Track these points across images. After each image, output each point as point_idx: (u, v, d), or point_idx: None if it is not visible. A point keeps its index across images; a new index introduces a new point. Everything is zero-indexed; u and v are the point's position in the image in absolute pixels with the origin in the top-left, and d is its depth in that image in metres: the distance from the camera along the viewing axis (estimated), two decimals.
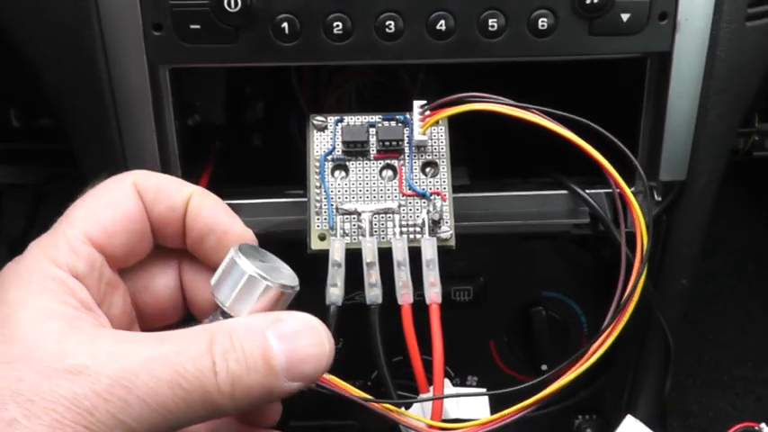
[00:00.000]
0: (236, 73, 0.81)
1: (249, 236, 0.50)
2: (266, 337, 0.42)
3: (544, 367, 0.71)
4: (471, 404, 0.55)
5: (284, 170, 0.68)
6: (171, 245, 0.50)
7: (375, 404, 0.50)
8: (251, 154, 0.84)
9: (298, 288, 0.47)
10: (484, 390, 0.57)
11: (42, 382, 0.38)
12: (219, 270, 0.46)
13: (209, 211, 0.48)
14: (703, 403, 1.21)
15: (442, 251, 0.57)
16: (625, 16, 0.58)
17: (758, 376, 1.23)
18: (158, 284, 0.50)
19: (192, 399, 0.39)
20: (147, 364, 0.39)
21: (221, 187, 0.57)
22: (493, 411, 0.55)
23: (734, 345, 1.26)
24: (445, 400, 0.54)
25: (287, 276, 0.47)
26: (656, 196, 0.65)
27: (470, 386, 0.74)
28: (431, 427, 0.51)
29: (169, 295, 0.51)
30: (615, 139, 0.55)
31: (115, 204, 0.47)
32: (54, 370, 0.38)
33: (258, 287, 0.45)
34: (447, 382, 0.55)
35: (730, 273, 1.33)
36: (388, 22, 0.57)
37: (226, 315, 0.45)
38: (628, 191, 0.56)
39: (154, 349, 0.40)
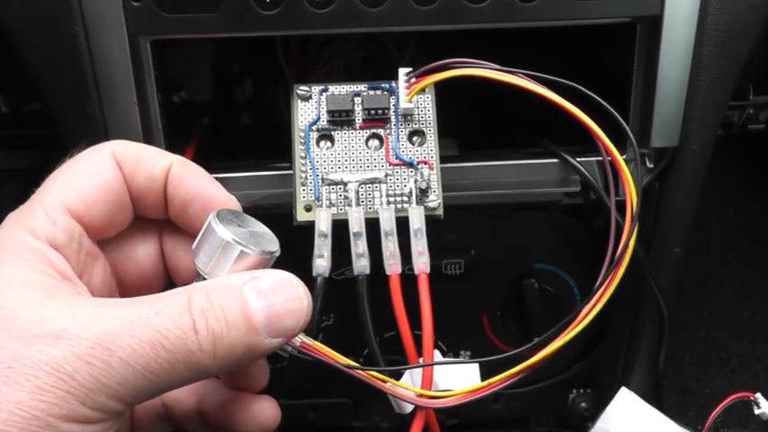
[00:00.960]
0: (223, 50, 0.80)
1: (233, 203, 0.49)
2: (244, 293, 0.41)
3: (537, 339, 0.71)
4: (462, 375, 0.54)
5: (272, 146, 0.68)
6: (152, 215, 0.49)
7: (361, 372, 0.49)
8: (239, 131, 0.83)
9: (278, 252, 0.46)
10: (474, 361, 0.56)
11: (21, 349, 0.37)
12: (198, 237, 0.46)
13: (190, 179, 0.48)
14: (700, 380, 1.20)
15: (431, 221, 0.56)
16: None
17: (754, 352, 1.22)
18: (139, 254, 0.50)
19: (176, 359, 0.39)
20: (127, 326, 0.38)
21: (207, 162, 0.56)
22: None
23: (729, 321, 1.26)
24: (435, 372, 0.54)
25: (266, 241, 0.47)
26: (648, 163, 0.64)
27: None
28: (420, 396, 0.51)
29: (150, 264, 0.50)
30: (603, 102, 0.54)
31: (93, 174, 0.46)
32: (33, 335, 0.37)
33: (235, 253, 0.44)
34: (437, 353, 0.55)
35: (726, 248, 1.33)
36: None
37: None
38: (617, 155, 0.55)
39: (134, 311, 0.39)
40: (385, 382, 0.50)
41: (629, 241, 0.51)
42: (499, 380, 0.50)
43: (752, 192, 1.37)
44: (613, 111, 0.54)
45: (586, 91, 0.53)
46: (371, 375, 0.49)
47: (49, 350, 0.37)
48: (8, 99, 0.96)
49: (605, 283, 0.51)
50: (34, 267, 0.41)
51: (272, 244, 0.47)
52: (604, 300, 0.50)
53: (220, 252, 0.44)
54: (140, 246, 0.50)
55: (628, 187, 0.55)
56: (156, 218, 0.49)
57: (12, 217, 0.44)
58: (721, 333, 1.25)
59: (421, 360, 0.53)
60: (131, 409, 0.49)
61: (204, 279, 0.45)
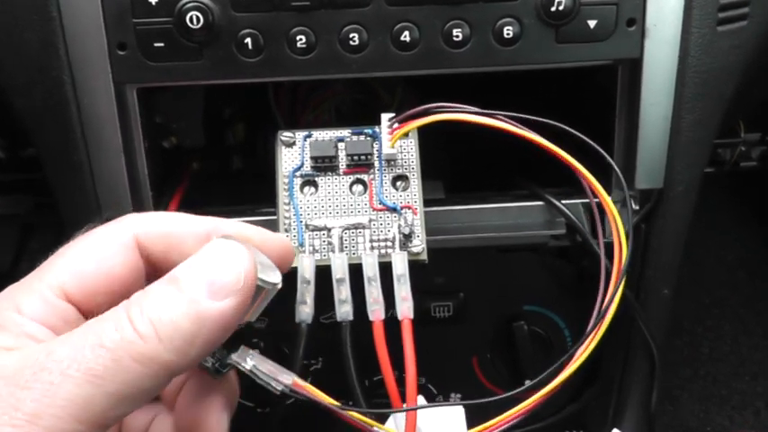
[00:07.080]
0: (214, 94, 0.81)
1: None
2: (174, 272, 0.39)
3: (528, 382, 0.70)
4: (446, 419, 0.54)
5: (261, 190, 0.68)
6: None
7: (349, 414, 0.48)
8: (231, 176, 0.83)
9: (280, 286, 0.43)
10: (460, 403, 0.55)
11: None
12: None
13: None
14: (701, 418, 1.19)
15: (415, 265, 0.56)
16: (592, 23, 0.57)
17: (756, 389, 1.22)
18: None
19: (119, 355, 0.36)
20: (66, 338, 0.37)
21: (193, 208, 0.57)
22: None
23: (729, 358, 1.25)
24: (420, 418, 0.53)
25: (271, 273, 0.43)
26: (633, 205, 0.64)
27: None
28: None
29: None
30: (589, 141, 0.53)
31: (102, 260, 0.42)
32: None
33: None
34: (421, 397, 0.54)
35: (723, 284, 1.33)
36: (351, 35, 0.56)
37: None
38: (606, 197, 0.55)
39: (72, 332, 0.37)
40: (372, 426, 0.50)
41: (618, 286, 0.51)
42: (489, 426, 0.50)
43: (748, 227, 1.37)
44: (600, 149, 0.54)
45: (568, 128, 0.53)
46: (357, 419, 0.48)
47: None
48: (5, 144, 0.97)
49: (596, 327, 0.50)
50: None
51: (276, 276, 0.43)
52: (594, 343, 0.50)
53: None
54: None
55: (615, 229, 0.55)
56: None
57: (9, 289, 0.41)
58: (721, 370, 1.24)
59: (405, 405, 0.52)
60: None
61: None
